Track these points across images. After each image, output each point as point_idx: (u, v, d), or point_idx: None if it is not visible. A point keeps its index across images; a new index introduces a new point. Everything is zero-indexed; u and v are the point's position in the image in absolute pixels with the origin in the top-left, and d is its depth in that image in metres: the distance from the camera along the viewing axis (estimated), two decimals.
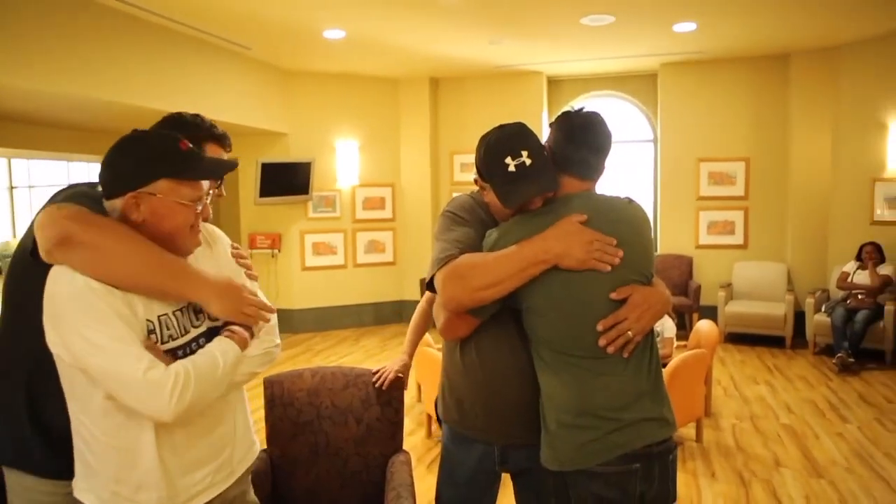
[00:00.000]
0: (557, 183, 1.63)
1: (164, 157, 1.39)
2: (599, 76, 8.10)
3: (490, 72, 7.86)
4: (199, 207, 1.44)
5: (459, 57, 7.09)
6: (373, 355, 6.74)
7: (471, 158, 8.77)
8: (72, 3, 4.62)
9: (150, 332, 1.38)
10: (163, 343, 1.39)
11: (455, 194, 1.94)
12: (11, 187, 14.18)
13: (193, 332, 1.46)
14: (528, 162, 1.59)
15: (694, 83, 7.53)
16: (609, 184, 1.73)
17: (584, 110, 1.69)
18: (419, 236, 8.22)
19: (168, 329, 1.40)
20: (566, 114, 1.70)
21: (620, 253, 1.56)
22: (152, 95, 5.34)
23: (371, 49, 6.63)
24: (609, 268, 1.55)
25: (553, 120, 1.72)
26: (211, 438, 1.50)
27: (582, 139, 1.65)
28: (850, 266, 6.35)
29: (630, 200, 1.71)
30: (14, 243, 12.65)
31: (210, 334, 1.49)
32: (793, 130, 7.14)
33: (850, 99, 6.76)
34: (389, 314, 8.35)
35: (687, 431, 4.35)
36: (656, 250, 7.33)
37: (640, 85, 8.03)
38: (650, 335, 1.66)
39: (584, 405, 1.58)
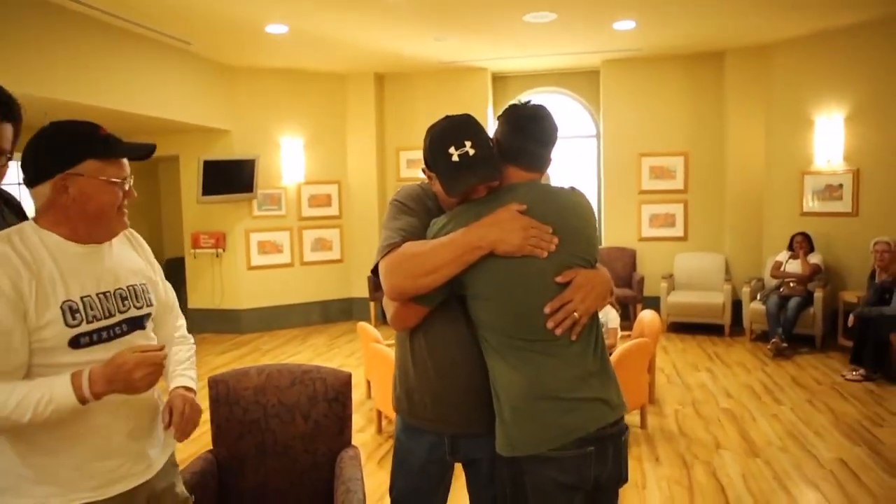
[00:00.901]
0: (500, 173, 1.65)
1: (89, 139, 1.47)
2: (543, 72, 8.22)
3: (435, 68, 7.87)
4: (126, 188, 1.52)
5: (405, 53, 7.08)
6: (321, 353, 6.67)
7: (417, 155, 8.74)
8: None
9: (75, 311, 1.43)
10: (88, 322, 1.45)
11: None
12: None
13: (118, 317, 1.53)
14: (471, 152, 1.61)
15: (635, 80, 7.72)
16: (554, 179, 1.76)
17: (531, 103, 1.71)
18: (366, 233, 8.17)
19: (92, 309, 1.47)
20: (513, 106, 1.71)
21: (556, 240, 1.59)
22: (84, 91, 5.11)
23: (315, 44, 6.55)
24: (545, 253, 1.59)
25: (500, 112, 1.74)
26: (130, 427, 1.54)
27: (528, 131, 1.67)
28: (783, 255, 6.63)
29: (573, 189, 1.74)
30: None
31: (131, 322, 1.55)
32: (729, 126, 7.41)
33: (781, 96, 7.06)
34: (337, 312, 8.28)
35: (632, 418, 4.46)
36: (601, 243, 7.49)
37: (582, 81, 8.19)
38: (595, 318, 1.70)
39: (534, 388, 1.60)
